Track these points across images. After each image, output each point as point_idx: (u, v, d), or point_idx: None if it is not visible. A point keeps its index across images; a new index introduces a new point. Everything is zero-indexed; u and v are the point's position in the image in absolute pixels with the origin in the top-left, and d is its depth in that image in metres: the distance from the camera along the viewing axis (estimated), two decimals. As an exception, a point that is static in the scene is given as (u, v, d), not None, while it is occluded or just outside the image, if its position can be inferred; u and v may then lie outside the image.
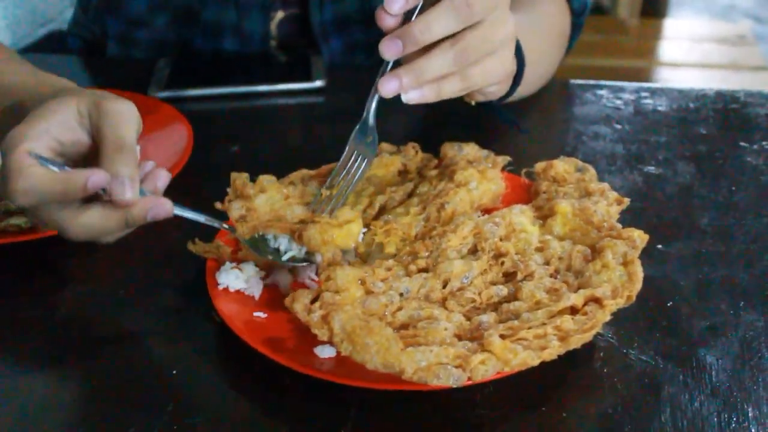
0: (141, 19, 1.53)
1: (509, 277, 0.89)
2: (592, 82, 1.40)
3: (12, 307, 0.96)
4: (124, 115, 0.84)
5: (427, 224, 0.96)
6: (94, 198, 0.82)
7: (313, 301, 0.83)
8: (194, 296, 0.94)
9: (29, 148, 0.80)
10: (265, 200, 0.93)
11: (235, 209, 0.93)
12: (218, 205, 0.93)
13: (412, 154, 1.09)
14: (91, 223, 0.82)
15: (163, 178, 0.87)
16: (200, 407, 0.82)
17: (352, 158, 0.96)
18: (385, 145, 1.10)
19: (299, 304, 0.82)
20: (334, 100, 1.39)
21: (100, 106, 0.84)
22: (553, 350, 0.77)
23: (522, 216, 0.95)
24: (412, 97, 0.90)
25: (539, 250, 0.92)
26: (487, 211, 1.01)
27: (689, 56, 3.03)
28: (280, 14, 1.51)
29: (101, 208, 0.81)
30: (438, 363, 0.75)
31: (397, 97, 0.90)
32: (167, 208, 0.83)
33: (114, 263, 1.02)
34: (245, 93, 1.41)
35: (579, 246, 0.91)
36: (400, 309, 0.84)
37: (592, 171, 1.03)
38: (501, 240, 0.92)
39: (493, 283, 0.88)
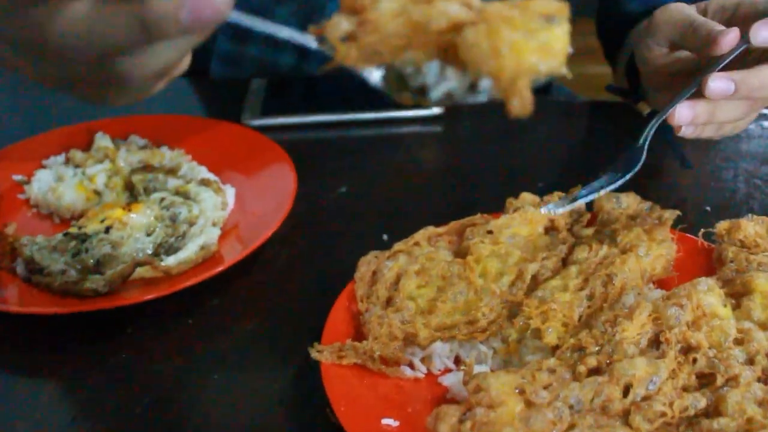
0: (260, 11, 1.37)
1: (704, 379, 0.70)
2: (755, 111, 1.20)
3: (92, 382, 0.81)
4: None
5: (592, 303, 0.78)
6: None
7: (461, 419, 0.65)
8: (306, 382, 0.77)
9: None
10: (392, 7, 0.55)
11: (339, 25, 0.57)
12: (312, 30, 0.59)
13: (560, 206, 0.91)
14: (81, 22, 0.52)
15: None
16: None
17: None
18: (526, 196, 0.91)
19: (445, 425, 0.64)
20: (453, 129, 1.20)
21: None
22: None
23: (711, 295, 0.76)
24: (688, 132, 0.88)
25: (738, 342, 0.73)
26: (660, 283, 0.82)
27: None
28: None
29: None
30: None
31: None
32: (216, 1, 0.51)
33: (206, 336, 0.86)
34: (350, 121, 1.23)
35: (791, 339, 0.72)
36: (572, 427, 0.66)
37: (791, 235, 0.84)
38: (688, 328, 0.73)
39: (686, 389, 0.69)
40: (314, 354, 0.75)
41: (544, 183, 1.01)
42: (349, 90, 1.31)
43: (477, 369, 0.74)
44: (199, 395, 0.79)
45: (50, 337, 0.86)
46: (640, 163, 0.84)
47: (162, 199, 0.97)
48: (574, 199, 0.82)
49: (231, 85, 1.36)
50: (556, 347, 0.74)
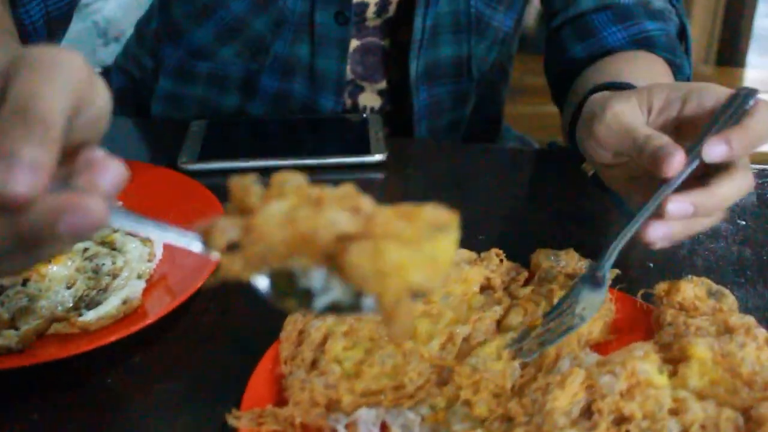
0: (205, 50, 1.34)
1: (637, 453, 0.68)
2: (700, 162, 1.18)
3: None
4: (51, 67, 0.53)
5: (526, 371, 0.75)
6: None
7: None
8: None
9: None
10: (279, 211, 0.54)
11: (222, 231, 0.54)
12: (199, 228, 0.56)
13: (496, 264, 0.88)
14: None
15: (112, 174, 0.53)
16: None
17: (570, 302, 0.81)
18: (463, 253, 0.89)
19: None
20: (396, 177, 1.17)
21: (21, 57, 0.54)
22: None
23: (646, 362, 0.73)
24: (663, 245, 0.83)
25: (673, 412, 0.70)
26: (597, 347, 0.80)
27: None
28: (354, 43, 1.32)
29: None
30: None
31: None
32: (93, 211, 0.50)
33: (125, 396, 0.82)
34: (291, 167, 1.20)
35: (727, 410, 0.69)
36: (496, 506, 0.62)
37: (731, 298, 0.82)
38: (622, 397, 0.70)
39: (617, 464, 0.66)
40: (231, 420, 0.72)
41: (484, 236, 0.99)
42: (293, 134, 1.28)
43: (403, 438, 0.71)
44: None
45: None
46: (602, 301, 0.81)
47: (85, 250, 0.93)
48: (542, 345, 0.77)
49: (171, 126, 1.32)
50: (485, 421, 0.71)
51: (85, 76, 0.55)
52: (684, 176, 0.80)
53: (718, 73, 2.98)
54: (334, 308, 0.55)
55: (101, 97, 0.58)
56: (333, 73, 1.32)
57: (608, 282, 0.81)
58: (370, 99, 1.39)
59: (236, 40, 1.32)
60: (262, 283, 0.56)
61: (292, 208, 0.54)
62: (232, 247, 0.54)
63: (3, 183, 0.48)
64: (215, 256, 0.54)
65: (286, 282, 0.55)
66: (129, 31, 1.62)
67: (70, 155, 0.54)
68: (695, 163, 0.80)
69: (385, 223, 0.53)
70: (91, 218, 0.50)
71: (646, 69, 1.12)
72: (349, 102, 1.38)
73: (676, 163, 0.78)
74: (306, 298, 0.55)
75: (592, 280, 0.82)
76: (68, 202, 0.50)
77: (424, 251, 0.52)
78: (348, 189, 0.56)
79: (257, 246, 0.53)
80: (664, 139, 0.80)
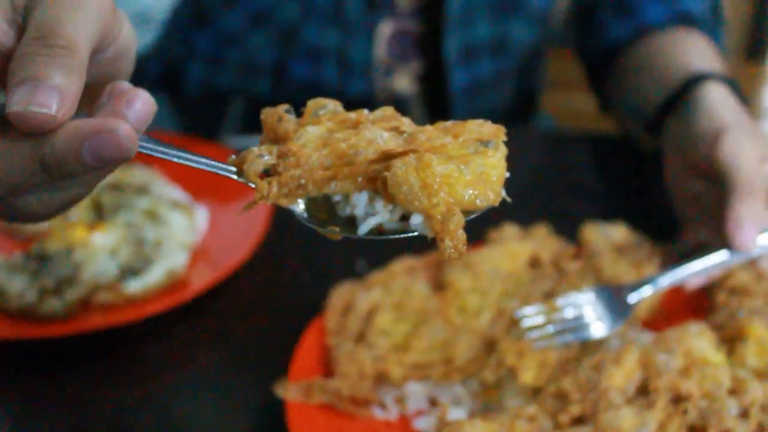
0: (235, 37, 1.33)
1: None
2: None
3: (46, 411, 0.76)
4: None
5: (572, 345, 0.74)
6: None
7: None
8: (270, 421, 0.73)
9: None
10: (317, 136, 0.51)
11: (257, 158, 0.52)
12: (232, 159, 0.54)
13: (544, 239, 0.87)
14: None
15: (140, 106, 0.50)
16: None
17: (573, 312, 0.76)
18: (508, 228, 0.87)
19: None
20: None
21: None
22: None
23: (701, 340, 0.72)
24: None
25: (732, 392, 0.68)
26: (647, 325, 0.78)
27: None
28: (388, 28, 1.30)
29: None
30: None
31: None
32: (119, 134, 0.47)
33: (168, 366, 0.81)
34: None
35: (787, 390, 0.67)
36: (552, 482, 0.61)
37: (785, 281, 0.80)
38: (679, 375, 0.69)
39: (676, 444, 0.65)
40: (279, 391, 0.71)
41: (527, 212, 0.97)
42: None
43: (454, 412, 0.70)
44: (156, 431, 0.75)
45: (3, 363, 0.82)
46: (623, 322, 0.76)
47: (129, 221, 0.92)
48: (553, 340, 0.74)
49: (209, 102, 1.31)
50: (537, 390, 0.70)
51: (108, 8, 0.53)
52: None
53: (743, 68, 2.93)
54: (380, 232, 0.53)
55: (125, 32, 0.56)
56: (362, 58, 1.30)
57: (632, 311, 0.76)
58: (404, 83, 1.37)
59: (266, 26, 1.30)
60: (300, 206, 0.53)
61: (329, 131, 0.51)
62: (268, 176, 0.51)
63: (26, 105, 0.47)
64: (250, 183, 0.52)
65: (327, 211, 0.53)
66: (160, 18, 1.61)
67: (96, 93, 0.52)
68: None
69: (429, 138, 0.50)
70: (116, 142, 0.47)
71: (699, 53, 1.08)
72: (381, 86, 1.36)
73: (747, 243, 0.77)
74: (349, 224, 0.53)
75: (617, 300, 0.77)
76: (92, 124, 0.47)
77: (472, 166, 0.50)
78: (387, 110, 0.53)
79: (295, 169, 0.50)
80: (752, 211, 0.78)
